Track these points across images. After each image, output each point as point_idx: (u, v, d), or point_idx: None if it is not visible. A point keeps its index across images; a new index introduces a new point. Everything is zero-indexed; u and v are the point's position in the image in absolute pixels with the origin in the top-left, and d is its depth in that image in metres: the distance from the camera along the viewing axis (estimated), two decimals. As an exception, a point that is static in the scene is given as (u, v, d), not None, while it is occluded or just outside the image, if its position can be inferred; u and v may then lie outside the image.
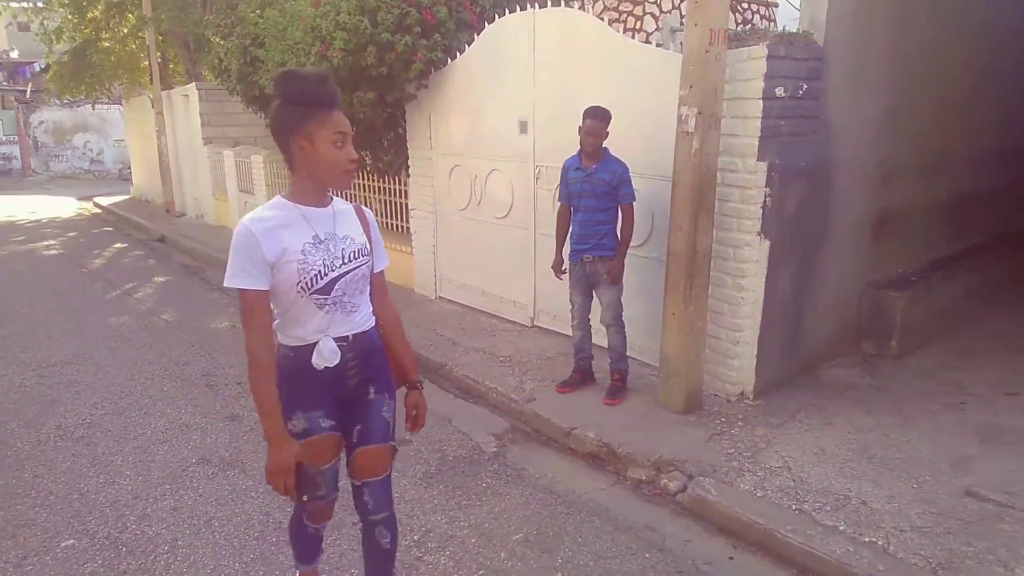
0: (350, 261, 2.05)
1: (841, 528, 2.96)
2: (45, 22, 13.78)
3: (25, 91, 24.65)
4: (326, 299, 2.02)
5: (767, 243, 3.95)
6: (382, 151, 7.37)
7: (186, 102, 12.46)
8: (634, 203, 4.09)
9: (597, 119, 3.94)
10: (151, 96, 13.34)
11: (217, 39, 9.69)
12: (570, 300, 4.34)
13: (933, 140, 5.28)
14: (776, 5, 8.79)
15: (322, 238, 2.01)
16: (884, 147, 4.76)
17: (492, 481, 3.60)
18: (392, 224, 7.34)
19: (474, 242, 6.12)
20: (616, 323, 4.20)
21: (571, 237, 4.22)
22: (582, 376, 4.45)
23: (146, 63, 13.56)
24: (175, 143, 13.36)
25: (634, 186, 4.15)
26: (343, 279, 2.04)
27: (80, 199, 17.56)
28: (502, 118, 5.53)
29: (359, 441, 2.19)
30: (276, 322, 2.07)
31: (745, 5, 8.51)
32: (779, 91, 3.80)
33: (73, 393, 4.79)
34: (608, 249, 4.08)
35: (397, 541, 2.31)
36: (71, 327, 6.35)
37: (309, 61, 6.11)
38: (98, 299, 7.45)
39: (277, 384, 2.01)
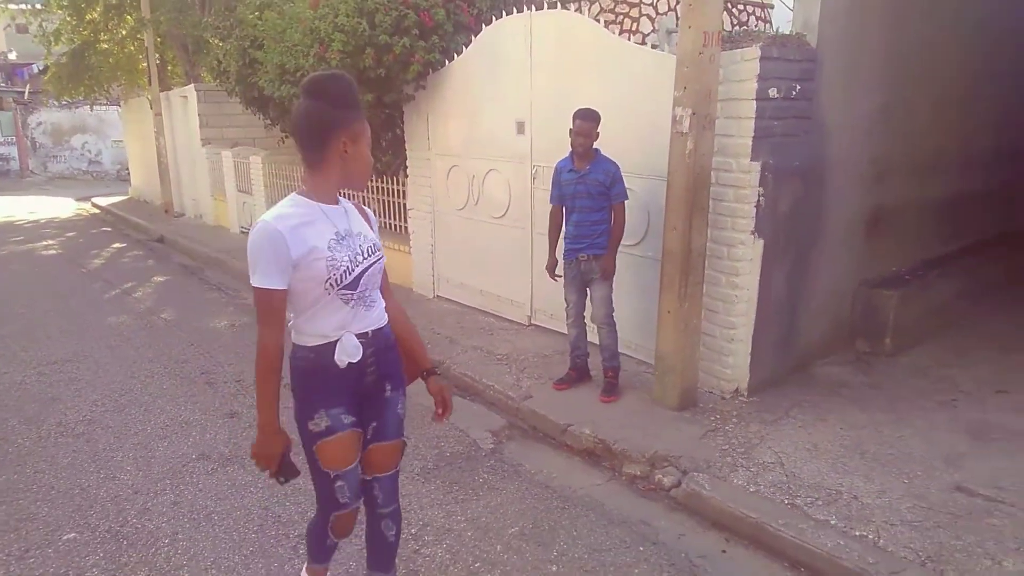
0: (369, 256, 2.09)
1: (832, 522, 3.01)
2: (44, 24, 13.79)
3: (23, 92, 24.65)
4: (352, 294, 2.04)
5: (761, 242, 4.00)
6: (380, 152, 7.41)
7: (185, 103, 12.50)
8: (626, 202, 4.14)
9: (587, 120, 4.00)
10: (150, 97, 13.38)
11: (216, 41, 9.74)
12: (565, 299, 4.39)
13: (927, 139, 5.34)
14: (772, 6, 8.86)
15: (343, 234, 2.03)
16: (878, 146, 4.81)
17: (489, 476, 3.65)
18: (390, 224, 7.38)
19: (472, 242, 6.16)
20: (607, 321, 4.25)
21: (566, 237, 4.27)
22: (578, 374, 4.50)
23: (145, 64, 13.60)
24: (174, 144, 13.40)
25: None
26: (366, 274, 2.07)
27: (78, 200, 17.57)
28: (499, 119, 5.58)
29: (374, 438, 2.22)
30: (292, 321, 2.07)
31: (741, 7, 8.57)
32: (772, 92, 3.85)
33: (73, 391, 4.83)
34: (603, 248, 4.14)
35: (401, 533, 2.39)
36: (71, 326, 6.38)
37: (308, 63, 6.15)
38: (97, 299, 7.48)
39: (296, 387, 2.05)
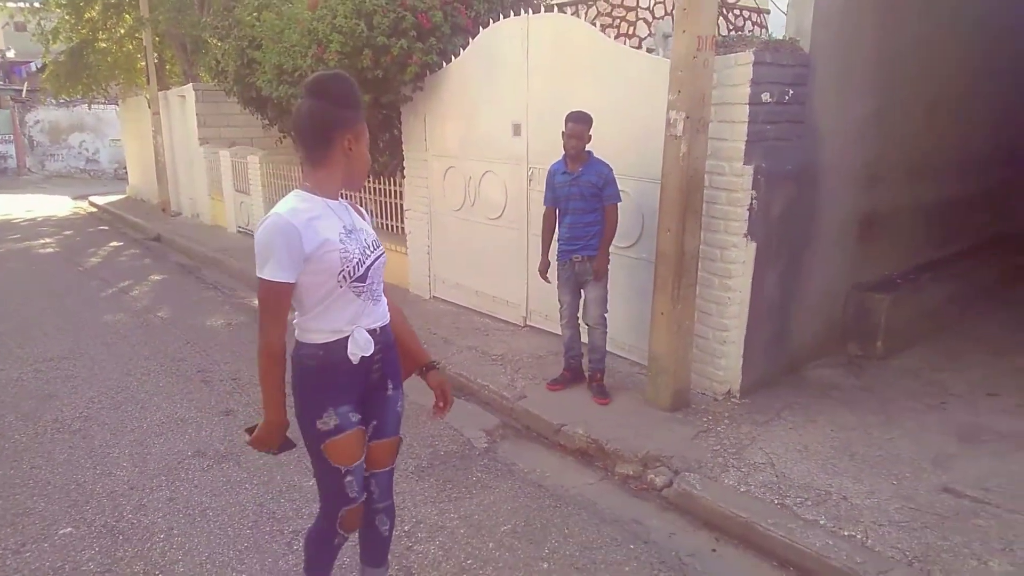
0: (375, 249, 2.12)
1: (821, 522, 3.04)
2: (42, 22, 13.78)
3: (21, 90, 24.65)
4: (363, 287, 2.06)
5: (753, 245, 4.04)
6: (378, 152, 7.44)
7: (182, 103, 12.51)
8: (618, 203, 4.18)
9: (579, 123, 4.06)
10: (148, 96, 13.38)
11: (214, 41, 9.76)
12: (559, 300, 4.43)
13: (920, 143, 5.38)
14: (767, 12, 8.90)
15: (350, 228, 2.06)
16: (871, 150, 4.86)
17: (482, 475, 3.68)
18: (387, 224, 7.41)
19: (468, 242, 6.20)
20: (600, 323, 4.30)
21: (560, 238, 4.31)
22: (572, 374, 4.53)
23: (143, 64, 13.61)
24: (171, 143, 13.41)
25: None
26: (373, 267, 2.10)
27: (76, 198, 17.56)
28: (496, 121, 5.61)
29: (374, 435, 2.25)
30: (298, 319, 2.06)
31: (737, 12, 8.63)
32: (765, 96, 3.89)
33: (70, 388, 4.85)
34: (596, 249, 4.18)
35: (394, 528, 2.43)
36: (67, 324, 6.40)
37: (305, 64, 6.18)
38: (94, 297, 7.49)
39: (302, 386, 2.08)
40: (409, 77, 5.96)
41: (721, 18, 8.25)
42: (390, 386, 2.26)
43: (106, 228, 12.91)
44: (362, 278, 2.05)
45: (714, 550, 3.06)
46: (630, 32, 7.86)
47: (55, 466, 3.75)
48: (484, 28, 5.64)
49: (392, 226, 7.33)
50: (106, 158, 25.26)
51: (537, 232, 5.27)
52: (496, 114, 5.60)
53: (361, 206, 2.28)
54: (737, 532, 3.12)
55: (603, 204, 4.14)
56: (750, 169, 3.92)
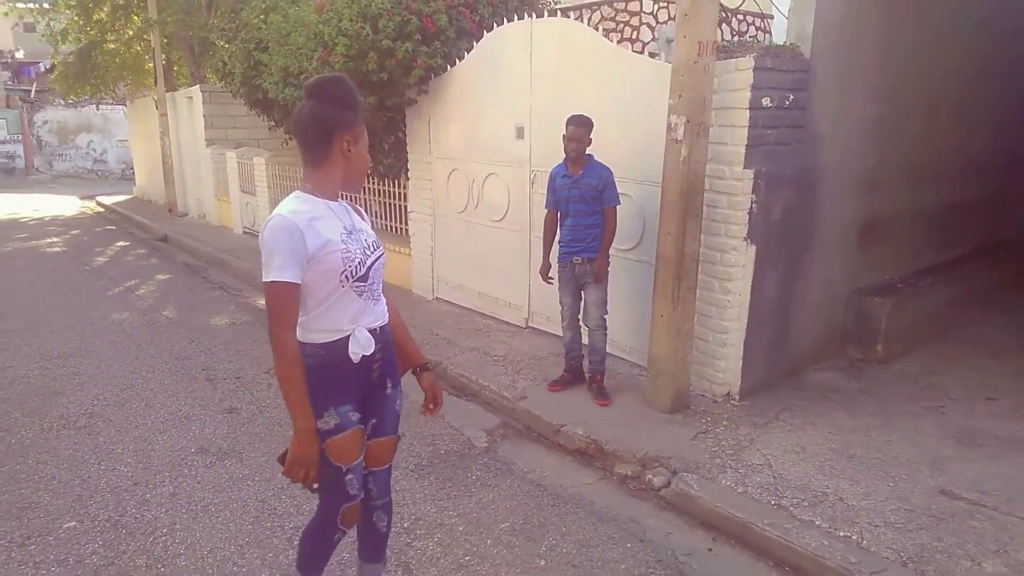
0: (375, 249, 2.16)
1: (817, 523, 3.07)
2: (51, 23, 13.90)
3: (30, 91, 24.83)
4: (364, 286, 2.10)
5: (753, 248, 4.07)
6: (382, 155, 7.49)
7: (190, 104, 12.60)
8: (617, 206, 4.22)
9: (579, 126, 4.11)
10: (155, 97, 13.48)
11: (222, 43, 9.84)
12: (560, 301, 4.46)
13: (920, 148, 5.40)
14: (771, 17, 8.93)
15: (350, 229, 2.09)
16: (871, 154, 4.88)
17: (482, 474, 3.71)
18: (391, 226, 7.46)
19: (471, 245, 6.24)
20: (600, 325, 4.33)
21: (560, 241, 4.35)
22: (573, 375, 4.56)
23: (151, 65, 13.69)
24: (178, 144, 13.50)
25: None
26: (374, 266, 2.13)
27: (83, 198, 17.66)
28: (499, 124, 5.66)
29: (373, 433, 2.28)
30: (300, 319, 2.06)
31: (740, 17, 8.66)
32: (765, 101, 3.93)
33: (76, 385, 4.90)
34: (597, 251, 4.22)
35: (391, 525, 2.47)
36: (74, 322, 6.46)
37: (311, 66, 6.24)
38: (100, 296, 7.56)
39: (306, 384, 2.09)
40: (414, 80, 6.01)
41: (724, 24, 8.29)
42: (389, 385, 2.30)
43: (113, 228, 13.00)
44: (363, 278, 2.09)
45: (710, 549, 3.09)
46: (634, 36, 7.90)
47: (60, 461, 3.80)
48: (488, 32, 5.68)
49: (396, 228, 7.38)
50: (113, 158, 25.43)
51: (539, 234, 5.30)
52: (499, 117, 5.64)
53: (365, 208, 2.32)
54: (734, 532, 3.15)
55: (603, 207, 4.17)
56: (750, 173, 3.95)
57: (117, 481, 3.59)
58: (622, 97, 4.58)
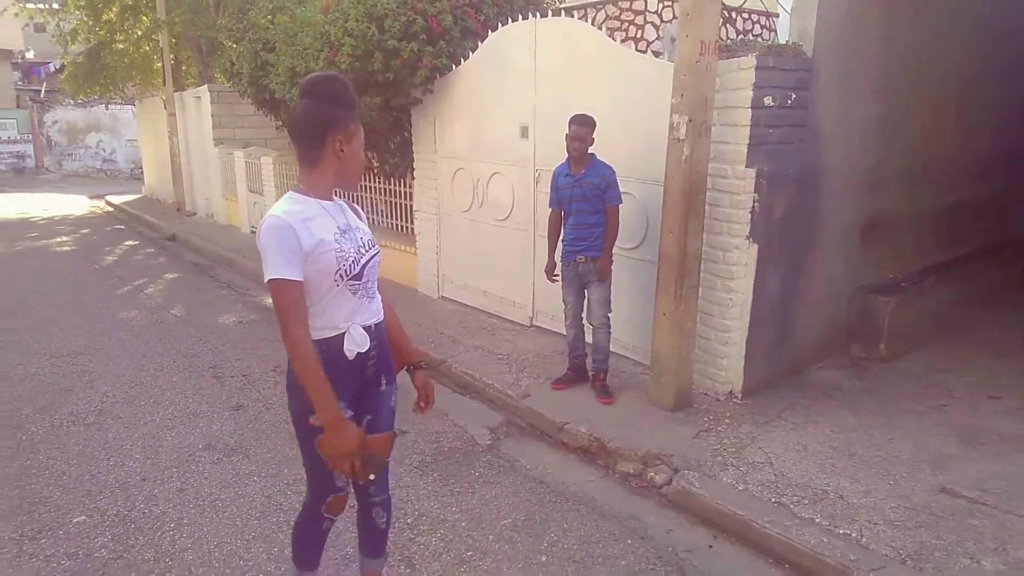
0: (370, 248, 2.19)
1: (817, 520, 3.09)
2: (61, 23, 13.99)
3: (40, 91, 25.00)
4: (359, 284, 2.13)
5: (755, 247, 4.08)
6: (388, 154, 7.53)
7: (198, 104, 12.69)
8: (619, 205, 4.24)
9: (582, 125, 4.13)
10: (164, 97, 13.57)
11: (229, 43, 9.89)
12: (564, 300, 4.49)
13: (923, 146, 5.40)
14: (776, 15, 8.92)
15: (344, 228, 2.12)
16: (874, 154, 4.89)
17: (485, 471, 3.75)
18: (397, 225, 7.51)
19: (476, 243, 6.27)
20: (603, 323, 4.36)
21: (564, 240, 4.38)
22: (576, 373, 4.59)
23: (159, 65, 13.79)
24: (187, 144, 13.58)
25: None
26: (369, 265, 2.16)
27: (92, 197, 17.78)
28: (504, 123, 5.69)
29: (368, 430, 2.28)
30: None
31: (745, 15, 8.65)
32: (768, 100, 3.94)
33: (85, 382, 4.96)
34: (600, 250, 4.24)
35: (391, 521, 2.49)
36: (83, 320, 6.53)
37: (318, 66, 6.28)
38: (109, 294, 7.63)
39: (298, 381, 2.10)
40: (419, 80, 6.05)
41: (729, 23, 8.29)
42: (384, 382, 2.32)
43: (122, 227, 13.10)
44: (358, 276, 2.12)
45: (711, 546, 3.11)
46: (638, 36, 7.91)
47: (70, 457, 3.85)
48: (493, 32, 5.71)
49: (402, 227, 7.42)
50: (122, 158, 25.56)
51: (543, 233, 5.34)
52: (504, 117, 5.67)
53: (372, 207, 2.34)
54: (734, 529, 3.17)
55: (605, 206, 4.20)
56: (752, 172, 3.97)
57: (126, 477, 3.65)
58: (625, 96, 4.61)
